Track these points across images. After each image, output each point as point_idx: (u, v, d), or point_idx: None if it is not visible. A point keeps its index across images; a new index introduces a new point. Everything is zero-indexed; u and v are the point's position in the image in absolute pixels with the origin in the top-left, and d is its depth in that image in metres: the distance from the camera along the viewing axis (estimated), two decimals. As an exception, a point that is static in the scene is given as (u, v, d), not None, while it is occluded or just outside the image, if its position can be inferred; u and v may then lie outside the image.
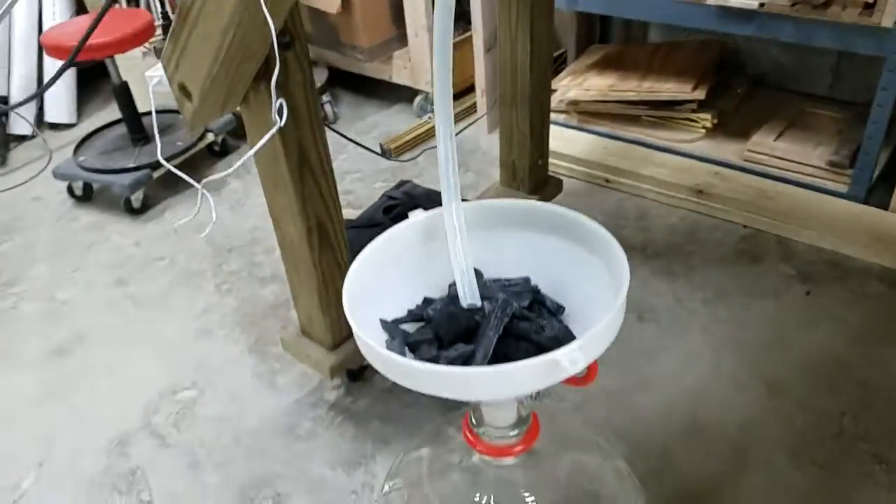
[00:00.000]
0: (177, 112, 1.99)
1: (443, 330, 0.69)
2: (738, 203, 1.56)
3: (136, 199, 1.79)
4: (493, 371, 0.55)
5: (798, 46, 1.78)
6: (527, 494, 0.61)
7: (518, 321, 0.65)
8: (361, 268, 0.71)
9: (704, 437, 1.15)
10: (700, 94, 1.67)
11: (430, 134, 1.98)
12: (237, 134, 2.01)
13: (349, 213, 1.42)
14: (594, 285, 0.64)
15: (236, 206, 1.82)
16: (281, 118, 0.79)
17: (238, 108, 0.92)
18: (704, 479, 1.09)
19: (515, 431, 0.59)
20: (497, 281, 0.72)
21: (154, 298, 1.55)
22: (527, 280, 0.72)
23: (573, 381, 0.64)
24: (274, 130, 0.81)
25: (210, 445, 1.22)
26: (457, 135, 1.74)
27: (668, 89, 1.68)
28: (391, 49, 2.06)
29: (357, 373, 1.29)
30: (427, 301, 0.74)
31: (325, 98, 2.09)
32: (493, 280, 0.72)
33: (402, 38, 2.03)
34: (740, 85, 1.83)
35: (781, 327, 1.34)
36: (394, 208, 1.25)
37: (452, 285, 0.72)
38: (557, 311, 0.68)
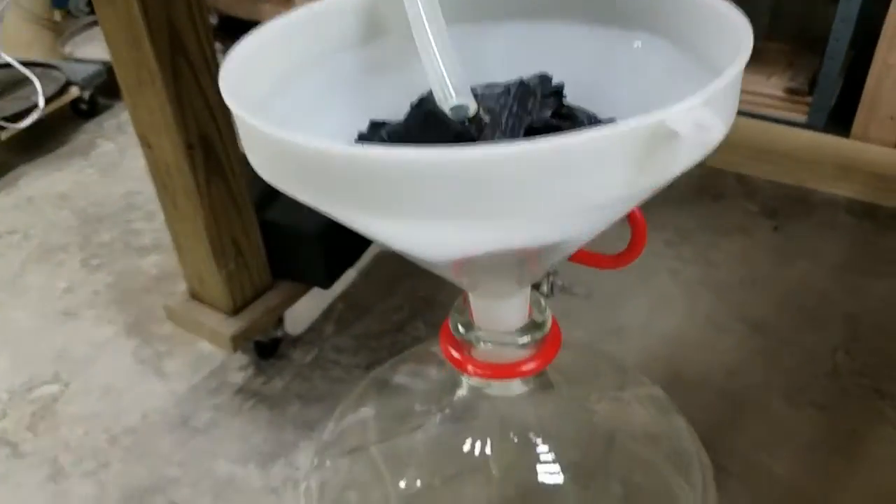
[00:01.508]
0: (36, 64, 1.69)
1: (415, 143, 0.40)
2: (690, 138, 1.41)
3: (-21, 164, 1.47)
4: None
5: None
6: (539, 442, 0.40)
7: (538, 133, 0.39)
8: (255, 58, 0.42)
9: (690, 387, 0.98)
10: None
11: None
12: (108, 90, 1.70)
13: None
14: (648, 83, 0.41)
15: (108, 170, 1.52)
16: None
17: None
18: (699, 432, 0.92)
19: (526, 338, 0.37)
20: (493, 86, 0.44)
21: (2, 280, 1.24)
22: (545, 78, 0.44)
23: (609, 260, 0.43)
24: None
25: (78, 450, 0.94)
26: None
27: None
28: (293, -10, 1.81)
29: (269, 347, 1.04)
30: (376, 126, 0.47)
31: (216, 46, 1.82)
32: (486, 86, 0.44)
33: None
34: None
35: (754, 264, 1.20)
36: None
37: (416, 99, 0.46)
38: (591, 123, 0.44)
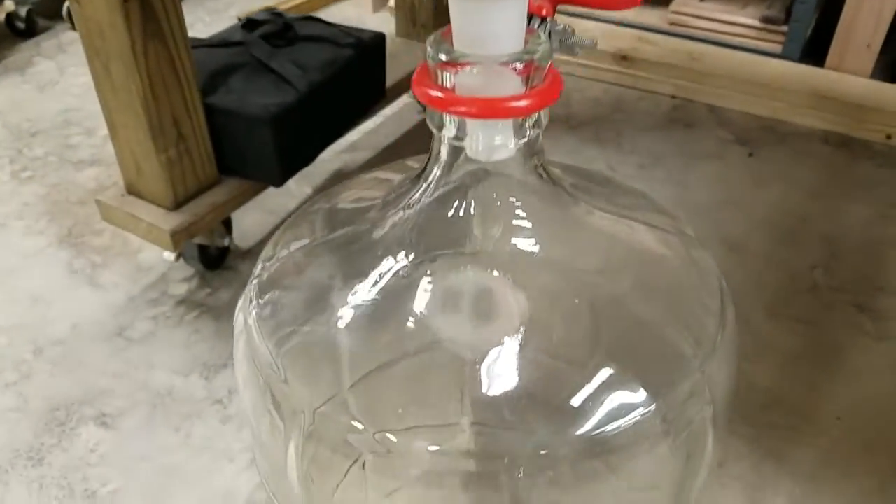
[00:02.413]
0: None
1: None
2: (667, 69, 1.36)
3: None
4: None
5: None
6: (521, 212, 0.32)
7: None
8: None
9: (669, 300, 0.93)
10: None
11: (303, 8, 1.66)
12: (49, 12, 1.58)
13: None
14: None
15: (46, 87, 1.40)
16: None
17: None
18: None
19: (519, 64, 0.29)
20: None
21: (-78, 192, 1.13)
22: None
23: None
24: None
25: (-2, 361, 0.85)
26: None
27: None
28: None
29: (216, 256, 0.95)
30: None
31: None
32: None
33: None
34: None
35: (729, 187, 1.15)
36: (259, 25, 0.92)
37: None
38: None
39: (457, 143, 0.30)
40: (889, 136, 1.25)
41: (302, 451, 0.32)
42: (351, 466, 0.33)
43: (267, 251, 0.43)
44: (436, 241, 0.32)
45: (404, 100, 1.27)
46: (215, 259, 0.96)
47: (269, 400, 0.34)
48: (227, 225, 0.96)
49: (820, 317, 0.93)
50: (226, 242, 0.96)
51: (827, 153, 1.24)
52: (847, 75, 1.30)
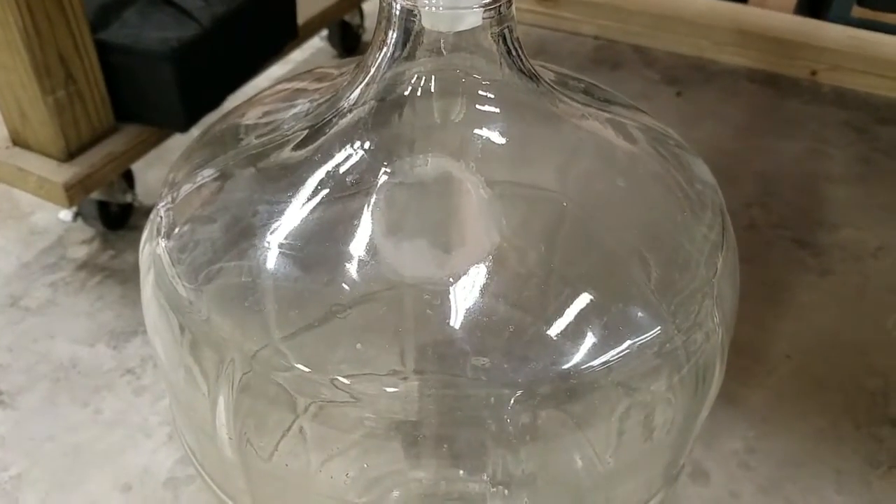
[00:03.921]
0: None
1: None
2: (589, 9, 1.32)
3: None
4: None
5: None
6: (490, 100, 0.27)
7: None
8: None
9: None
10: None
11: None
12: None
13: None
14: None
15: None
16: None
17: None
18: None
19: None
20: None
21: None
22: None
23: None
24: None
25: None
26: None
27: None
28: None
29: (118, 214, 0.86)
30: None
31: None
32: None
33: None
34: None
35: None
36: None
37: None
38: None
39: (409, 5, 0.24)
40: (814, 73, 1.25)
41: (234, 408, 0.26)
42: (293, 423, 0.27)
43: (173, 172, 0.36)
44: (388, 139, 0.26)
45: (317, 44, 1.19)
46: (117, 217, 0.86)
47: (189, 349, 0.28)
48: (129, 179, 0.86)
49: (761, 254, 0.92)
50: (128, 199, 0.86)
51: (754, 91, 1.23)
52: (771, 11, 1.29)
